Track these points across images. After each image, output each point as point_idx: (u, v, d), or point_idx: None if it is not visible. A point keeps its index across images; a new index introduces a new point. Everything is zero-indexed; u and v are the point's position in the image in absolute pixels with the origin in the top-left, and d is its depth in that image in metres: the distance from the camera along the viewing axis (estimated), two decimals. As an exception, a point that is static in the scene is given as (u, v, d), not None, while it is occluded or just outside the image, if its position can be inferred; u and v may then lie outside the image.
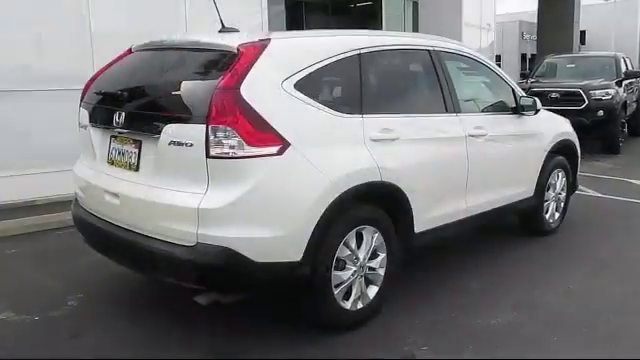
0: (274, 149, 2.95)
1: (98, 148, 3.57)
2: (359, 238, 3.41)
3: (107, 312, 3.74)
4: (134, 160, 3.28)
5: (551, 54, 13.07)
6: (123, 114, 3.29)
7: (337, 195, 3.14)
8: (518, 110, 4.73)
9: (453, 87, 4.13)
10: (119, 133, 3.37)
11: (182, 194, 2.96)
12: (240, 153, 2.88)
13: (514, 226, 5.40)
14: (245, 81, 2.94)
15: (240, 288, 3.16)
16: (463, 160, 4.08)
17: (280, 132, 2.98)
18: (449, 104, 4.07)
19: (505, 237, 5.29)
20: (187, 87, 3.01)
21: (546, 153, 5.06)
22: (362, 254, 3.43)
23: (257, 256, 2.95)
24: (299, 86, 3.14)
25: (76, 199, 3.83)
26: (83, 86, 3.84)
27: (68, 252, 4.78)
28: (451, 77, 4.15)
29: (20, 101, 5.81)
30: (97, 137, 3.58)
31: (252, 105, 2.92)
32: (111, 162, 3.46)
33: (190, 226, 2.91)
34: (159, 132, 3.04)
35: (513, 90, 4.81)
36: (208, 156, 2.88)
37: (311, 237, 3.07)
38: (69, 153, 4.12)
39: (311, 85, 3.24)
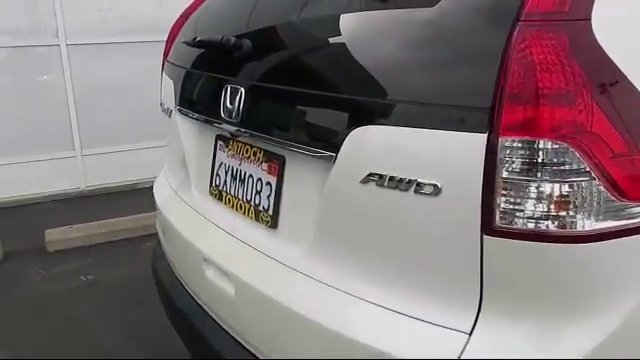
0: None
1: (193, 159, 1.75)
2: None
3: None
4: (267, 201, 1.41)
5: None
6: (242, 92, 1.43)
7: None
8: None
9: None
10: (232, 135, 1.52)
11: (398, 319, 1.06)
12: (592, 225, 0.92)
13: None
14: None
15: None
16: None
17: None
18: None
19: None
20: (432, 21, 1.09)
21: None
22: None
23: None
24: None
25: (159, 242, 2.08)
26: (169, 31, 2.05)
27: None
28: None
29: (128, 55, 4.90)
30: (190, 135, 1.75)
31: (624, 72, 0.94)
32: (217, 194, 1.62)
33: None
34: (335, 145, 1.15)
35: None
36: (489, 230, 0.94)
37: None
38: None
39: None
